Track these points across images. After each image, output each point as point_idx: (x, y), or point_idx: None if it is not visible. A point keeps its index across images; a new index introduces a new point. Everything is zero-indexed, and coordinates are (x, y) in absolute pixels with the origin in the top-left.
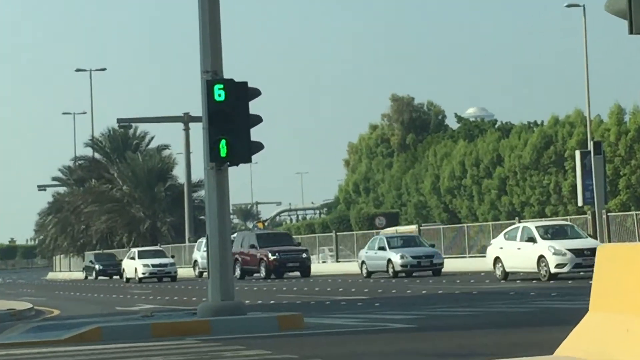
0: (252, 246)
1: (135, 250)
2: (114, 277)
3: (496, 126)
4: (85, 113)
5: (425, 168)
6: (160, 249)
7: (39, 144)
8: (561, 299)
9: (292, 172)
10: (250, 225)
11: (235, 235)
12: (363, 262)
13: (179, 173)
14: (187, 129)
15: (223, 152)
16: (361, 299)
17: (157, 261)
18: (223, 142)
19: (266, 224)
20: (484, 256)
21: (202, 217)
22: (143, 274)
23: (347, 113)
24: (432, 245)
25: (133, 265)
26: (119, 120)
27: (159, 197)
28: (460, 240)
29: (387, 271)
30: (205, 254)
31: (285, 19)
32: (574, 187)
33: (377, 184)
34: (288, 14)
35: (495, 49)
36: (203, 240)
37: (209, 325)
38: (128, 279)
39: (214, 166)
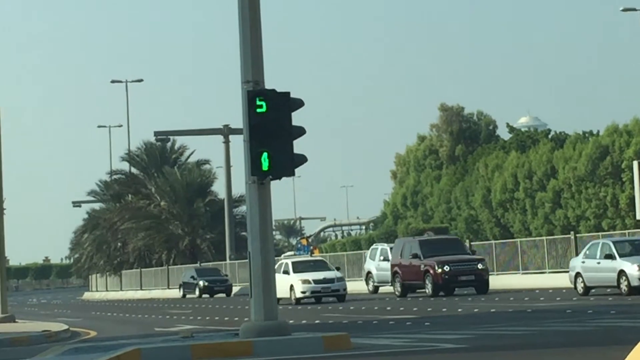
0: (415, 256)
1: (287, 261)
2: (218, 295)
3: (549, 136)
4: (121, 126)
5: (476, 180)
6: (321, 259)
7: (73, 158)
8: (622, 316)
9: (336, 185)
10: (293, 242)
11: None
12: (578, 274)
13: (219, 188)
14: (227, 142)
15: (265, 166)
16: (410, 317)
17: (320, 275)
18: (265, 155)
19: (310, 240)
20: (540, 272)
21: (243, 233)
22: (303, 292)
23: (393, 123)
24: None
25: (287, 282)
26: (157, 133)
27: (199, 213)
28: (513, 256)
29: (617, 286)
30: (381, 263)
31: (329, 27)
32: (632, 199)
33: (425, 198)
34: (332, 23)
35: (548, 56)
36: (378, 247)
37: (251, 346)
38: (278, 300)
39: (256, 180)
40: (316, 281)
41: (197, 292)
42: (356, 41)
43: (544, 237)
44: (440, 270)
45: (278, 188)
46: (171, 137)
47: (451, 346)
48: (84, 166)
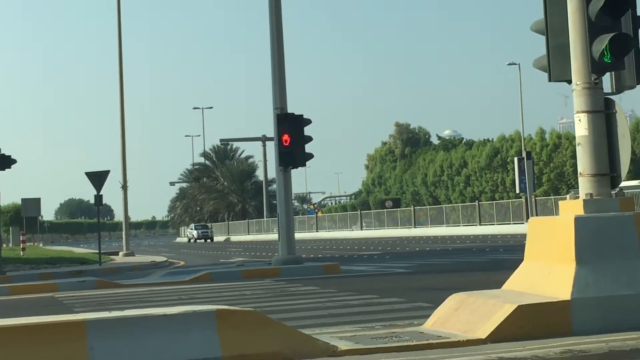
0: None
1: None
2: None
3: (463, 142)
4: (199, 135)
5: (418, 169)
6: None
7: (170, 156)
8: (506, 252)
9: (332, 172)
10: (305, 207)
11: None
12: None
13: (260, 173)
14: (264, 145)
15: (287, 160)
16: (377, 253)
17: None
18: (288, 153)
19: (315, 206)
20: (455, 225)
21: (274, 202)
22: None
23: (366, 133)
24: None
25: None
26: (222, 140)
27: (247, 189)
28: (440, 216)
29: None
30: None
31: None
32: (514, 181)
33: (386, 180)
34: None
35: (465, 86)
36: None
37: (279, 270)
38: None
39: (282, 169)
40: None
41: None
42: (344, 60)
43: (459, 204)
44: None
45: (296, 173)
46: (231, 142)
47: (402, 270)
48: (177, 160)
